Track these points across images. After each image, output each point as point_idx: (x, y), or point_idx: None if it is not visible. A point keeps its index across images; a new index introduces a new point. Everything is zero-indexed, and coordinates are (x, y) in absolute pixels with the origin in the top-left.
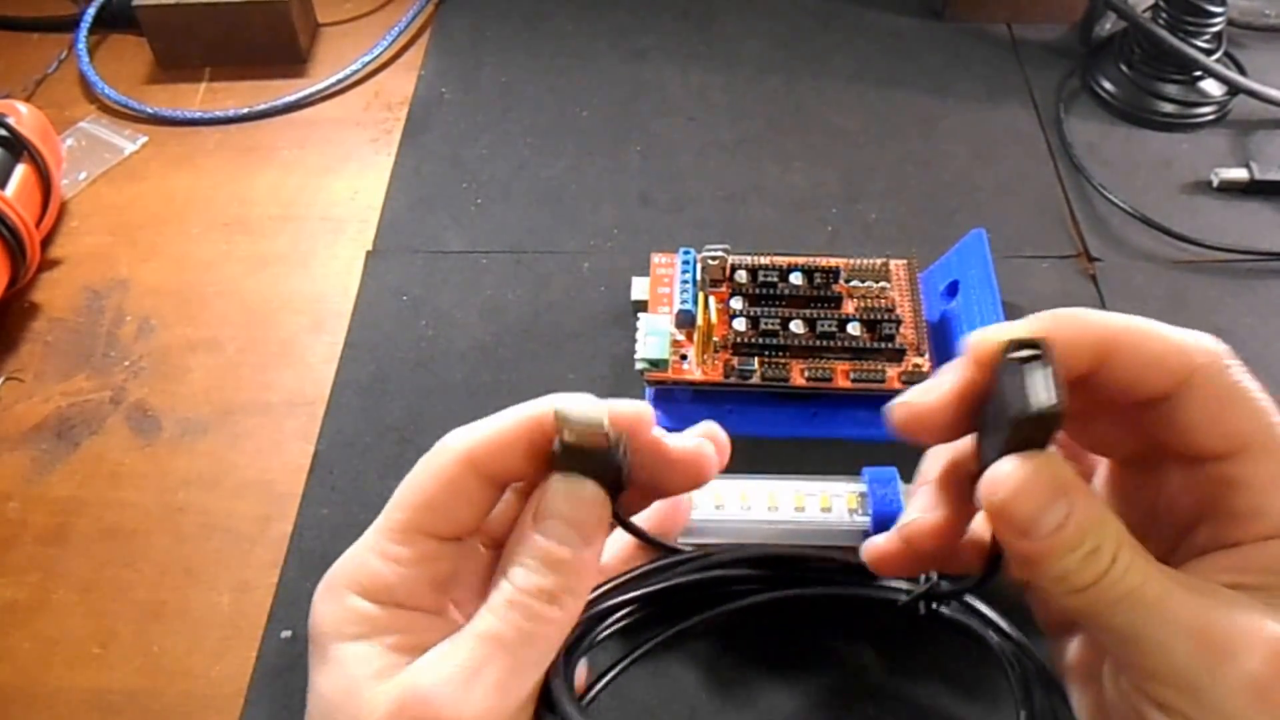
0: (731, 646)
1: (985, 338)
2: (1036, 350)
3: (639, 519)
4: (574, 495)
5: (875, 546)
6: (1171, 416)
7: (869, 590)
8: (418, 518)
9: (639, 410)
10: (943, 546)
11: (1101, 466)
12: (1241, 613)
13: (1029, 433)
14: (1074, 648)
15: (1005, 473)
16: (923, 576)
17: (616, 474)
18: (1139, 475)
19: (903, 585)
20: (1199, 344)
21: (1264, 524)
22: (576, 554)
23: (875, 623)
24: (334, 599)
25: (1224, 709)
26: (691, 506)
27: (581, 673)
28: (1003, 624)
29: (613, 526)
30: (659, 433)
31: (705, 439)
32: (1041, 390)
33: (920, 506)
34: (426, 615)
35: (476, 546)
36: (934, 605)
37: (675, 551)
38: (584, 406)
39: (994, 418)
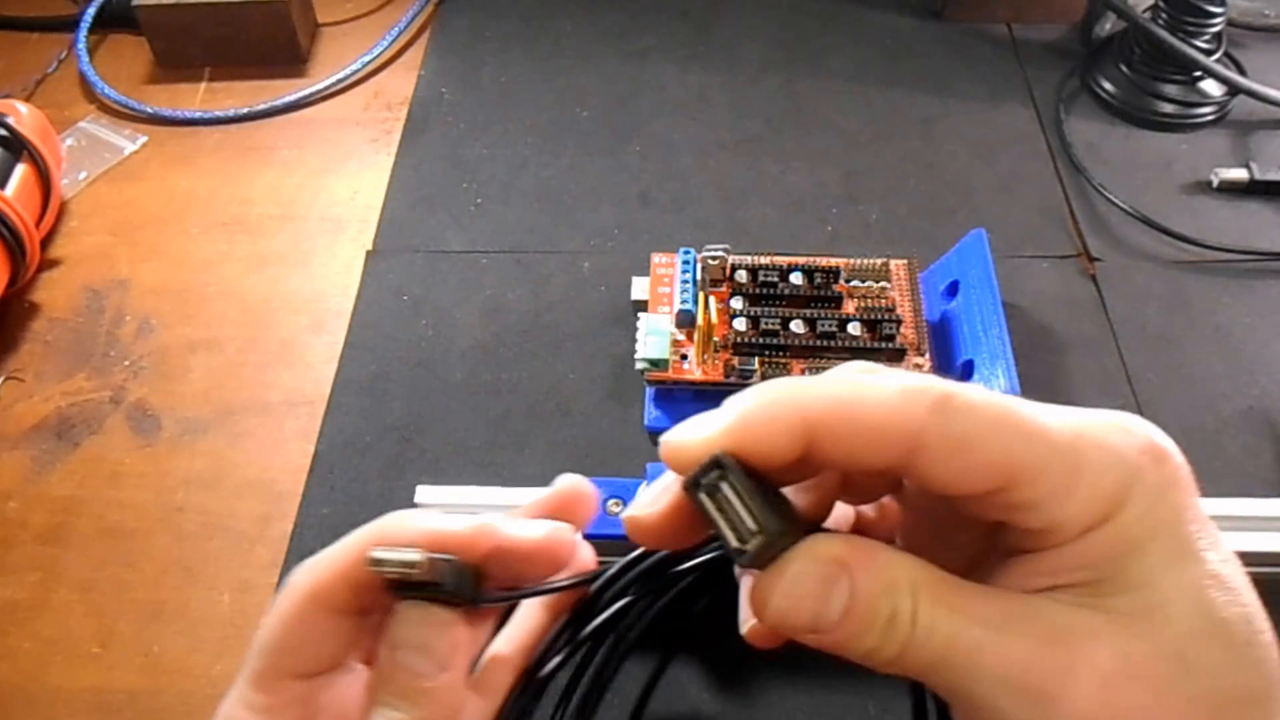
0: (733, 647)
1: (672, 459)
2: (720, 469)
3: None
4: (420, 623)
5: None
6: (922, 476)
7: None
8: (274, 663)
9: (472, 531)
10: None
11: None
12: (1060, 643)
13: (766, 555)
14: None
15: (766, 586)
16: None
17: (468, 585)
18: (922, 500)
19: None
20: (913, 402)
21: (1061, 535)
22: (432, 681)
23: None
24: None
25: None
26: (589, 496)
27: None
28: None
29: (477, 616)
30: (512, 533)
31: (555, 529)
32: (739, 527)
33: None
34: None
35: (356, 669)
36: None
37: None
38: (394, 551)
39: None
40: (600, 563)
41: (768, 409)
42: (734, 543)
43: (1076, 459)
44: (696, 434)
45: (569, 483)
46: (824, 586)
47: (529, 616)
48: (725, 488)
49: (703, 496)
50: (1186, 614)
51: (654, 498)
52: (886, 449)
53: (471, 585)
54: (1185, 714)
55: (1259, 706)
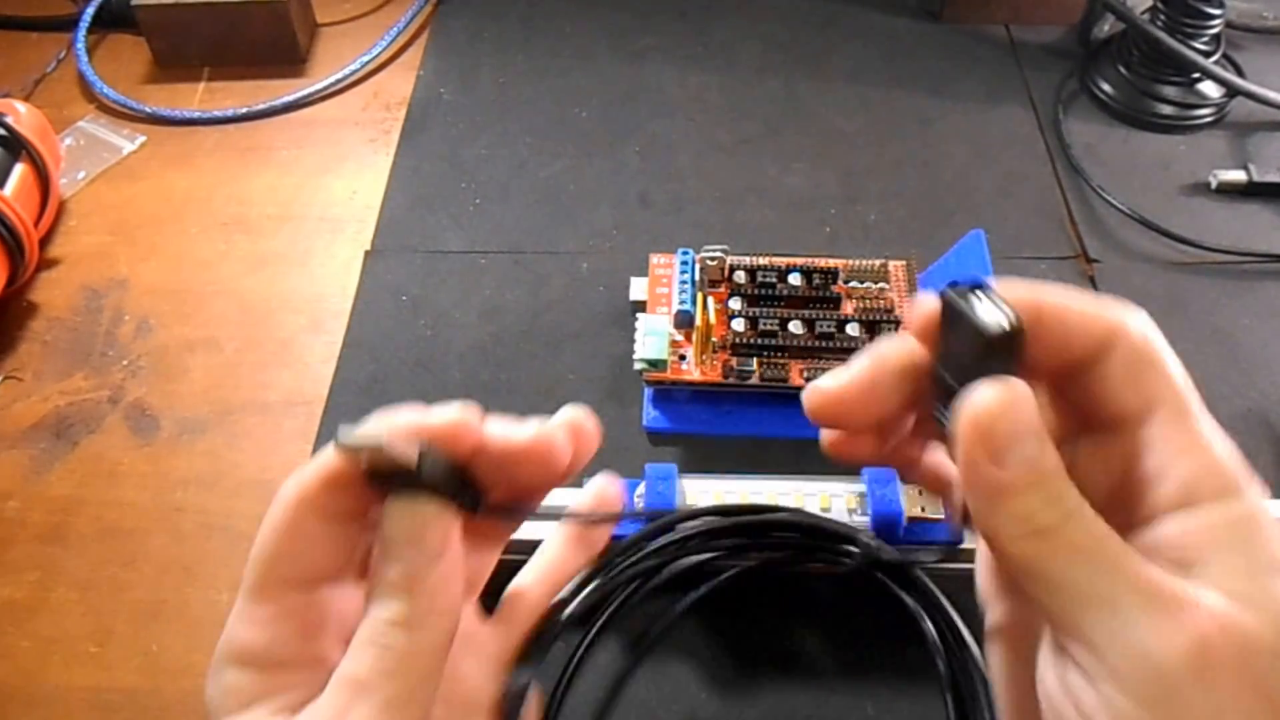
0: (732, 644)
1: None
2: (977, 284)
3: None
4: (407, 515)
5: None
6: (1093, 382)
7: (826, 555)
8: (269, 573)
9: (450, 418)
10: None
11: None
12: (1188, 584)
13: (998, 357)
14: (1005, 613)
15: (989, 394)
16: (863, 541)
17: (456, 480)
18: (1071, 454)
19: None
20: (1121, 310)
21: (1165, 489)
22: (424, 572)
23: (881, 628)
24: (215, 677)
25: (1165, 677)
26: (619, 495)
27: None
28: (949, 609)
29: (479, 526)
30: (497, 432)
31: (544, 430)
32: (998, 313)
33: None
34: (310, 669)
35: (353, 585)
36: (877, 574)
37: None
38: (360, 429)
39: (953, 359)
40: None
41: (1004, 286)
42: (995, 325)
43: (1208, 437)
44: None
45: (568, 414)
46: (1030, 426)
47: (556, 553)
48: (981, 294)
49: (960, 290)
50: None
51: (846, 374)
52: (1088, 341)
53: (456, 481)
54: (1268, 698)
55: None
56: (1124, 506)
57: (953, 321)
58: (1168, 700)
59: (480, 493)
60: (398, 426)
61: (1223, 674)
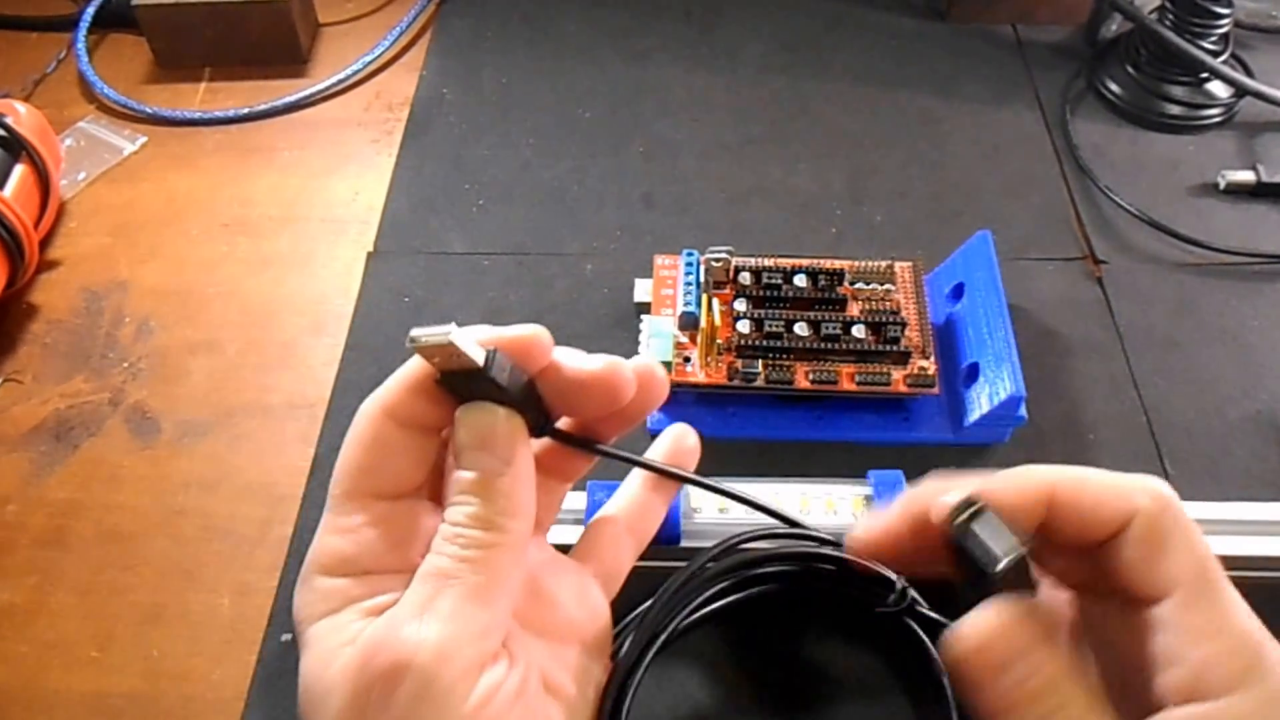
0: (737, 650)
1: (927, 502)
2: (975, 506)
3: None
4: (478, 420)
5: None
6: (1114, 558)
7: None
8: (356, 484)
9: (522, 332)
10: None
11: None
12: None
13: (1008, 581)
14: None
15: (974, 621)
16: (899, 585)
17: (525, 394)
18: (1102, 613)
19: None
20: (1141, 487)
21: (1178, 672)
22: (497, 476)
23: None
24: (304, 586)
25: None
26: (696, 445)
27: None
28: None
29: (546, 458)
30: (567, 357)
31: (627, 364)
32: (996, 546)
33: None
34: (395, 575)
35: (433, 504)
36: (905, 619)
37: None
38: (432, 328)
39: (968, 571)
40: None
41: (1016, 477)
42: (995, 560)
43: (1223, 621)
44: (958, 482)
45: (639, 360)
46: (1021, 648)
47: (635, 491)
48: (982, 520)
49: (959, 523)
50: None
51: (877, 522)
52: (1106, 522)
53: (525, 390)
54: None
55: None
56: (1137, 688)
57: (960, 548)
58: None
59: (547, 413)
60: (468, 331)
61: None
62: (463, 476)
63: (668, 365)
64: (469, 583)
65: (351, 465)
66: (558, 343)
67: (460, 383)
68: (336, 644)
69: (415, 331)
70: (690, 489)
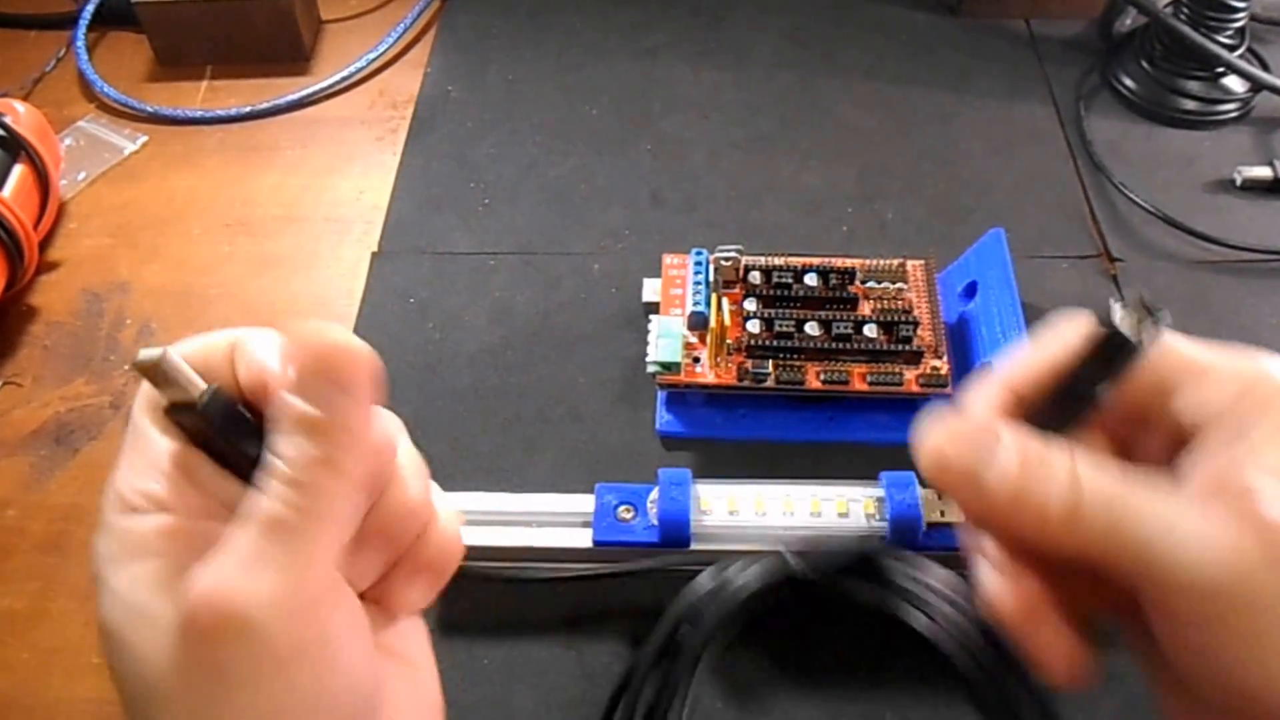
0: (749, 660)
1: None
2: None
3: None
4: (323, 341)
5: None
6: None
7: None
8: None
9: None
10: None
11: None
12: (1232, 475)
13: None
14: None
15: (932, 438)
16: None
17: (237, 425)
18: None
19: None
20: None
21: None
22: (345, 411)
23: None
24: (104, 528)
25: (1242, 578)
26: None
27: None
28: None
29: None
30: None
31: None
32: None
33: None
34: (208, 518)
35: None
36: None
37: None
38: (157, 348)
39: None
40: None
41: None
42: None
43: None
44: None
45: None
46: (985, 436)
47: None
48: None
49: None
50: None
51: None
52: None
53: (239, 425)
54: None
55: None
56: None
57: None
58: (1253, 595)
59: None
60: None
61: None
62: (296, 406)
63: (677, 366)
64: (301, 531)
65: (147, 402)
66: (567, 344)
67: (188, 419)
68: (145, 594)
69: (144, 352)
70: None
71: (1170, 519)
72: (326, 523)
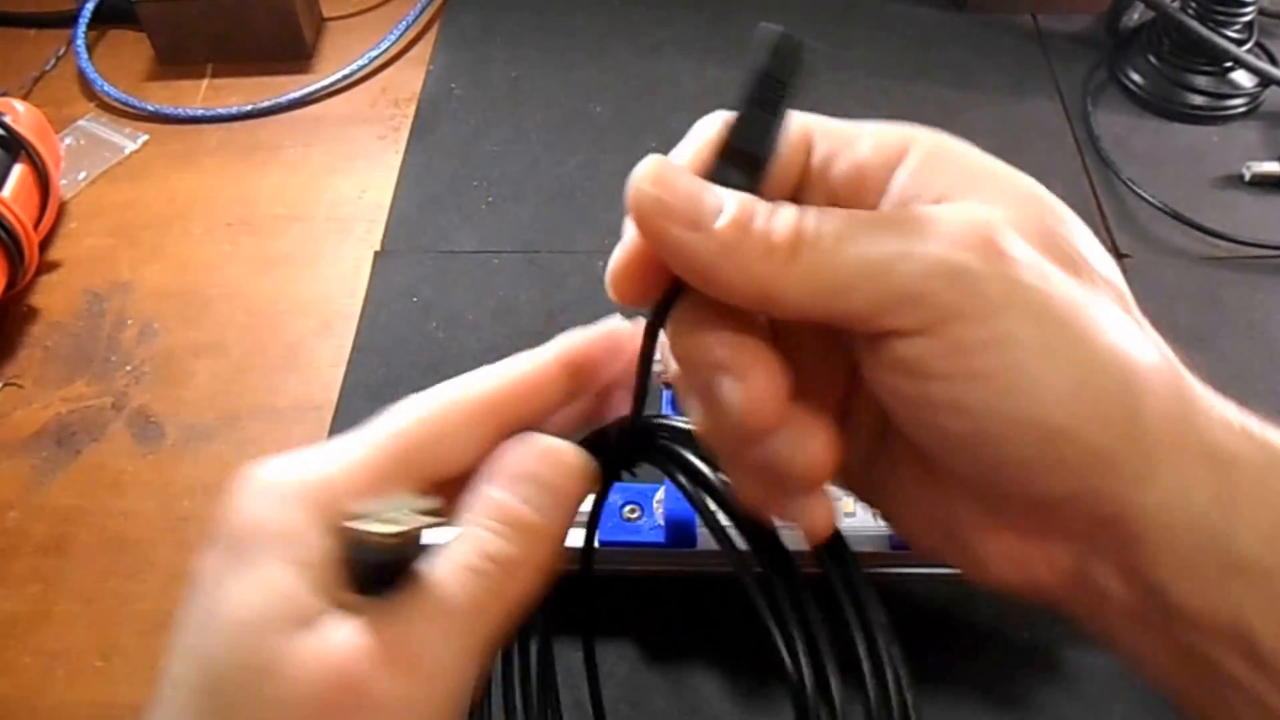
0: (752, 656)
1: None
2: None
3: None
4: (557, 454)
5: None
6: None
7: None
8: (403, 467)
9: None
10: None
11: None
12: (976, 219)
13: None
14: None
15: (645, 166)
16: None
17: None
18: None
19: None
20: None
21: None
22: (548, 521)
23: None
24: (287, 509)
25: (962, 270)
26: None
27: None
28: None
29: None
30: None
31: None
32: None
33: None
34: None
35: None
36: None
37: None
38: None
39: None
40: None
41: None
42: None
43: (854, 129)
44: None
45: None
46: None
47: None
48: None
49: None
50: (1017, 198)
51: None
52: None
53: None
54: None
55: None
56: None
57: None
58: (974, 283)
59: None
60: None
61: (999, 251)
62: (501, 500)
63: None
64: (471, 634)
65: (405, 445)
66: None
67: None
68: (285, 610)
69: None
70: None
71: (891, 249)
72: (487, 627)
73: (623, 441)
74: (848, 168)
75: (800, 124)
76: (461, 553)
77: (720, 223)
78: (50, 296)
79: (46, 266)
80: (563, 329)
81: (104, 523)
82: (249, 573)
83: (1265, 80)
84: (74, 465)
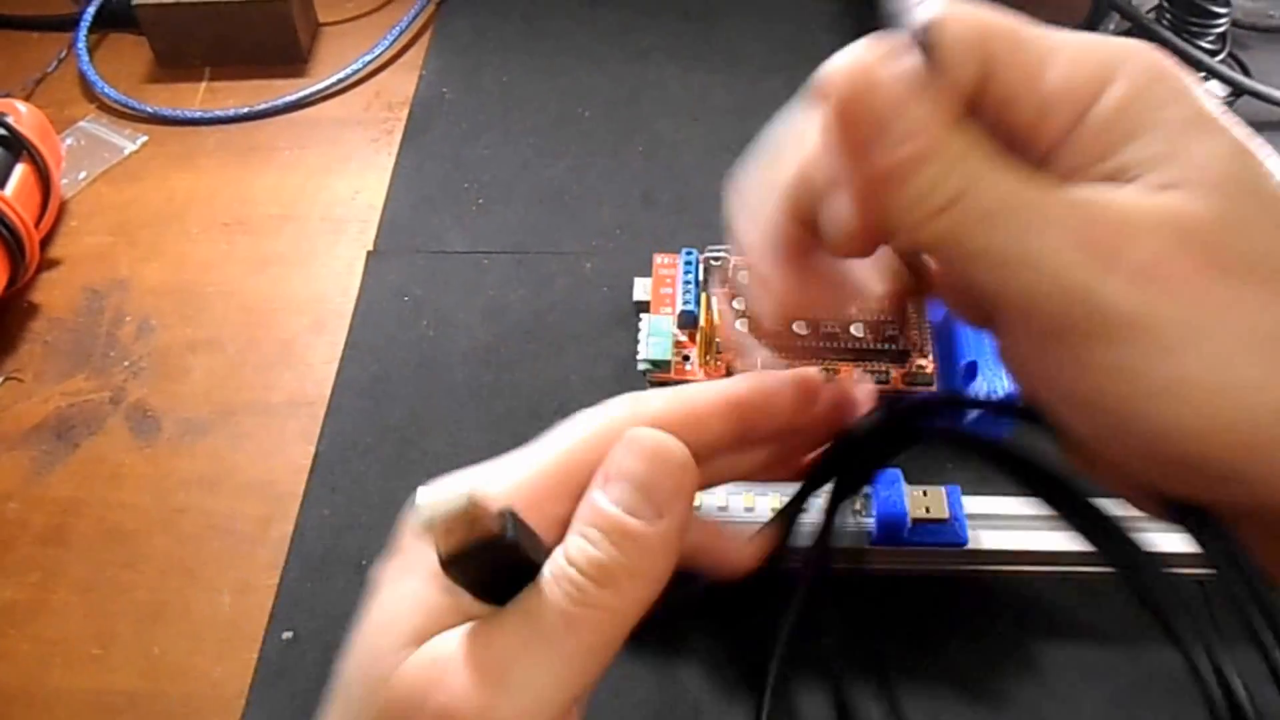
0: (734, 647)
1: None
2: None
3: None
4: (649, 454)
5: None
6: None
7: None
8: (565, 487)
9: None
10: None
11: None
12: (1115, 206)
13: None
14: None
15: (849, 60)
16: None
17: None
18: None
19: None
20: (1124, 49)
21: (1054, 119)
22: (646, 525)
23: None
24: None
25: (1118, 307)
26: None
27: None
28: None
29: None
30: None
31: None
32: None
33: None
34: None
35: None
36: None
37: None
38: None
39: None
40: None
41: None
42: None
43: (1048, 44)
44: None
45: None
46: (909, 88)
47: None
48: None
49: None
50: (1224, 179)
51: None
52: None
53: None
54: (1235, 273)
55: None
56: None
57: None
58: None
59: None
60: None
61: (1179, 280)
62: (596, 503)
63: (667, 364)
64: (561, 647)
65: (559, 472)
66: (559, 342)
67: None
68: (407, 608)
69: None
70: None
71: (1048, 255)
72: (592, 643)
73: (883, 429)
74: (1031, 106)
75: (976, 30)
76: (557, 560)
77: (897, 148)
78: (51, 293)
79: (47, 264)
80: (551, 328)
81: (102, 514)
82: (393, 586)
83: (1238, 90)
84: (73, 458)
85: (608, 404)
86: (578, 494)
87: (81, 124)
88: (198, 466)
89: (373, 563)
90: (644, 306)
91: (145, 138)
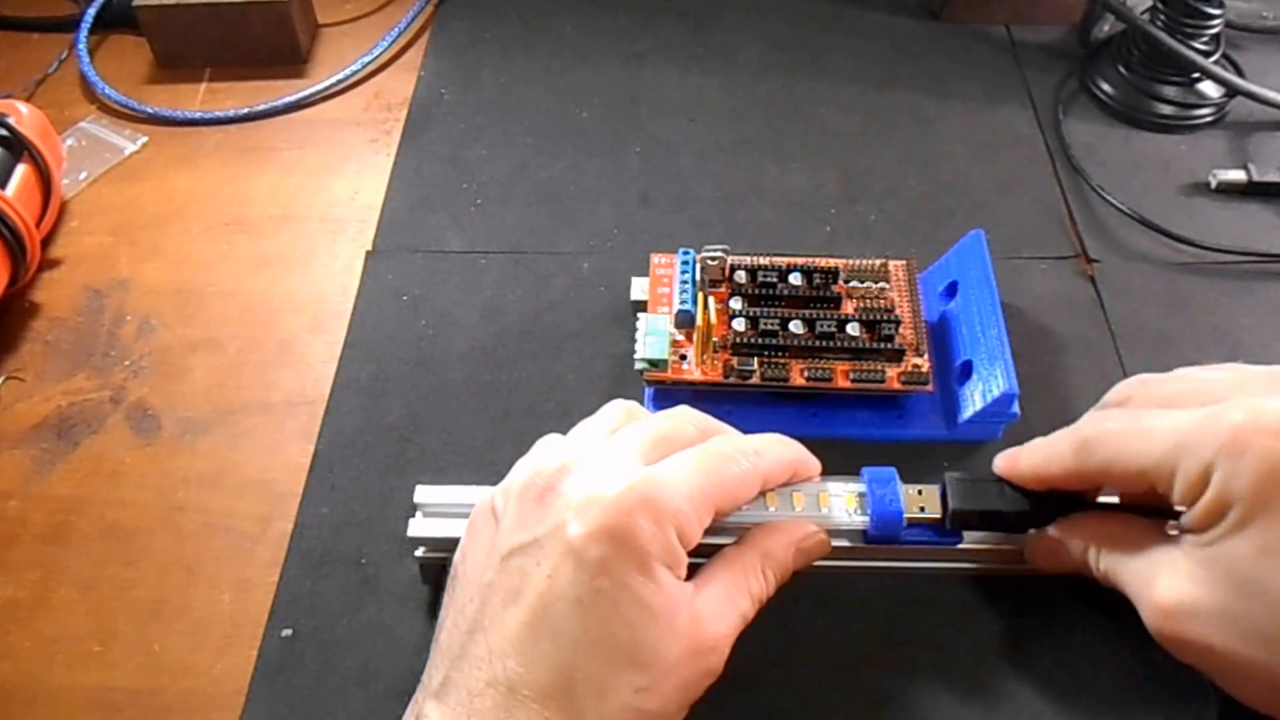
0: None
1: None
2: None
3: None
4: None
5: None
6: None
7: None
8: (728, 505)
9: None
10: None
11: None
12: (1162, 561)
13: None
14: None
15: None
16: None
17: None
18: None
19: None
20: (1064, 446)
21: (1183, 503)
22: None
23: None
24: (661, 529)
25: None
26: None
27: None
28: None
29: None
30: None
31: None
32: None
33: None
34: None
35: None
36: None
37: None
38: None
39: None
40: None
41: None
42: None
43: (1175, 460)
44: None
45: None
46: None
47: None
48: None
49: None
50: (1244, 562)
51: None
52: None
53: None
54: (1233, 638)
55: None
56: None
57: None
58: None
59: None
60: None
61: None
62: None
63: (664, 363)
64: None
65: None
66: (557, 341)
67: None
68: (680, 597)
69: None
70: None
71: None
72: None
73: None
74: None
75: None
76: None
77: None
78: (52, 293)
79: (48, 264)
80: (548, 327)
81: (102, 512)
82: (647, 578)
83: (1231, 91)
84: (73, 456)
85: (746, 439)
86: (715, 510)
87: (82, 124)
88: (197, 465)
89: (371, 560)
90: (641, 306)
91: (145, 138)
